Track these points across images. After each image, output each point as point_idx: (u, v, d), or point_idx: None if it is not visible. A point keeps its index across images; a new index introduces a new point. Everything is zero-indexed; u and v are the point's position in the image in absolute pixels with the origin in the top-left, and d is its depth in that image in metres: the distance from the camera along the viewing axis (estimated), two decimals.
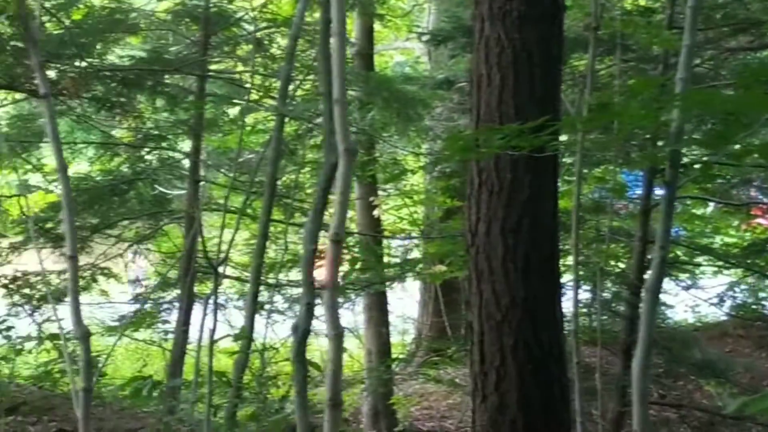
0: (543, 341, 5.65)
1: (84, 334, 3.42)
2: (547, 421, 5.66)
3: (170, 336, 10.22)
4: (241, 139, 7.61)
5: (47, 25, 9.40)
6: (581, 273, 8.28)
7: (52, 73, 9.92)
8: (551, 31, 5.66)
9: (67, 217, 3.42)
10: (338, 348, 3.12)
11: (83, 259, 10.78)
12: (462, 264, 9.27)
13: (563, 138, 6.94)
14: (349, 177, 3.11)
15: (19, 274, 10.57)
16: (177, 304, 10.25)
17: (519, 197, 5.59)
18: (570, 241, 7.39)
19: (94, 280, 10.70)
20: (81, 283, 10.60)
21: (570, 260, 7.83)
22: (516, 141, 4.31)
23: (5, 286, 10.27)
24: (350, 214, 11.04)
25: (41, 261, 6.98)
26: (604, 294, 9.51)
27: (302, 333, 3.29)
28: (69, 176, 3.48)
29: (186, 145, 11.10)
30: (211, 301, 8.58)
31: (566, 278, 7.35)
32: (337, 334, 3.12)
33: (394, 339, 12.92)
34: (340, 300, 10.58)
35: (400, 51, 18.06)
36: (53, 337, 7.62)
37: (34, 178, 18.91)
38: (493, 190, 5.61)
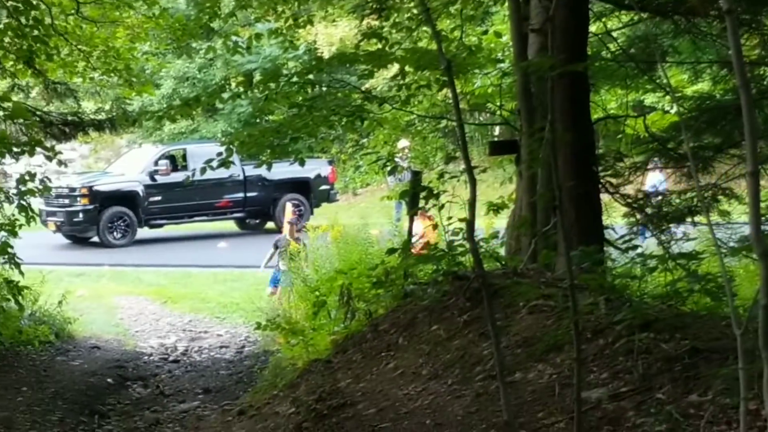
0: None
1: (764, 252, 3.32)
2: None
3: None
4: None
5: None
6: None
7: None
8: None
9: (748, 134, 3.31)
10: None
11: (705, 179, 10.69)
12: None
13: None
14: None
15: (640, 195, 10.76)
16: None
17: None
18: None
19: (716, 201, 10.57)
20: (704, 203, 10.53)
21: None
22: None
23: (628, 204, 10.47)
24: None
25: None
26: None
27: None
28: (751, 92, 3.39)
29: None
30: None
31: None
32: None
33: None
34: None
35: None
36: (682, 256, 7.64)
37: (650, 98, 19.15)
38: None
